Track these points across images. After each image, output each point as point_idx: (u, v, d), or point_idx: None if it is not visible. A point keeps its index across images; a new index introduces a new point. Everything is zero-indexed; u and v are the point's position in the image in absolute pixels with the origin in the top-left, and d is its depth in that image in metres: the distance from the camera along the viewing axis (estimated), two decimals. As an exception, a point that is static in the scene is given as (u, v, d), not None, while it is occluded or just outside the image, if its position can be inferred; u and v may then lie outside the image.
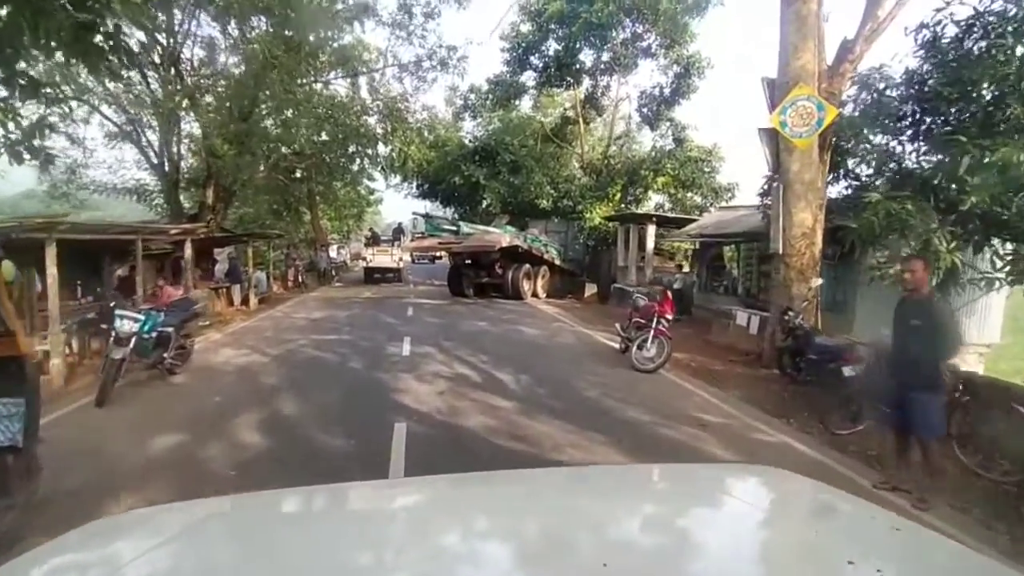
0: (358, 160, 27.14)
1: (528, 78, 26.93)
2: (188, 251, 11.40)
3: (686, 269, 17.17)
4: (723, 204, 15.24)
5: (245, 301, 16.41)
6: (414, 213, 18.21)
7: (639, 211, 18.91)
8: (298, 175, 27.82)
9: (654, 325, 8.17)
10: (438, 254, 29.56)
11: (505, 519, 1.31)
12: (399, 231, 28.05)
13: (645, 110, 24.59)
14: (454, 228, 17.18)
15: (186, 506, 1.45)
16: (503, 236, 16.54)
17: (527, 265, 17.85)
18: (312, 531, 1.22)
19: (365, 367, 8.05)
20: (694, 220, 15.85)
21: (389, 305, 16.29)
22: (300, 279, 21.56)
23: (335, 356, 8.78)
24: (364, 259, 26.74)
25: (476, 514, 1.37)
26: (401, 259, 25.49)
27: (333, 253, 36.92)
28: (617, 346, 9.64)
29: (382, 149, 25.27)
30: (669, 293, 8.57)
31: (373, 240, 27.77)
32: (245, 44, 14.95)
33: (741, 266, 12.31)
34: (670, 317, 8.32)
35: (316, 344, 9.75)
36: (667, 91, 23.97)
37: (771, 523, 1.36)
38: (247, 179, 18.88)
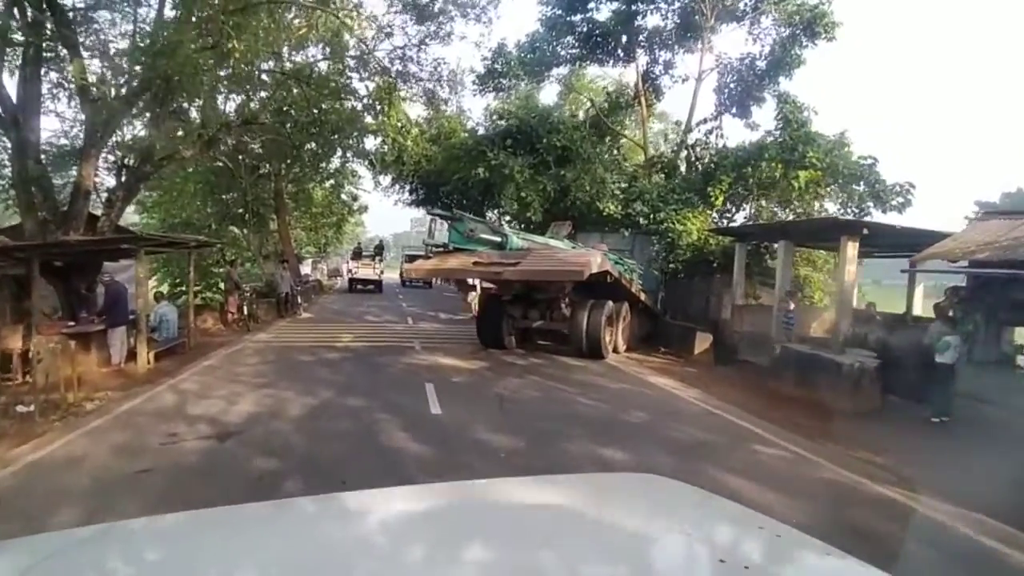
0: (340, 151, 20.77)
1: (568, 47, 20.59)
2: None
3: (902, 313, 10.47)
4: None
5: (132, 356, 9.31)
6: (431, 212, 11.14)
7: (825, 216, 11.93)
8: (263, 170, 21.36)
9: None
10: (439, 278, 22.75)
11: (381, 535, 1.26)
12: (380, 247, 32.14)
13: (733, 86, 18.25)
14: (498, 238, 10.16)
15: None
16: (591, 255, 9.53)
17: (609, 303, 10.95)
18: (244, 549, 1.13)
19: None
20: (937, 234, 8.95)
21: (386, 374, 9.00)
22: (245, 311, 14.29)
23: None
24: (348, 272, 29.27)
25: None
26: (382, 272, 28.30)
27: (307, 269, 30.35)
28: None
29: (370, 143, 18.93)
30: None
31: (357, 254, 29.93)
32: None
33: None
34: None
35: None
36: (762, 64, 17.72)
37: (649, 526, 1.36)
38: (168, 155, 11.83)
